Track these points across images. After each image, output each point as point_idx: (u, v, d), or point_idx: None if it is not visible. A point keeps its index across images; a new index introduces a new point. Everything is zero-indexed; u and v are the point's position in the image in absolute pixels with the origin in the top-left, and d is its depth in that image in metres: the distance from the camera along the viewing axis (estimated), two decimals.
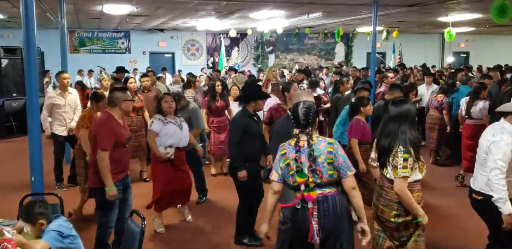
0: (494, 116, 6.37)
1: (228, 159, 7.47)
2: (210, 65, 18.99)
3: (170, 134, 4.60)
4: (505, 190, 3.07)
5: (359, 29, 16.88)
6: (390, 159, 2.98)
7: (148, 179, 6.39)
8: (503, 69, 11.91)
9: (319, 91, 7.87)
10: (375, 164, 3.32)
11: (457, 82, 8.71)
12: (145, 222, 2.81)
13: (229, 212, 5.14)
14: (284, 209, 3.11)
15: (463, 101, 6.55)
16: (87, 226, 4.65)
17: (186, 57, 19.04)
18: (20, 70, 9.87)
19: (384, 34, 14.77)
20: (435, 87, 8.67)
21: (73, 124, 6.06)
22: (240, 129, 4.11)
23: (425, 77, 9.16)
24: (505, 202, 3.07)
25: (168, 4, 10.37)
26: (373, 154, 3.37)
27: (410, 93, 6.31)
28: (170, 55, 18.95)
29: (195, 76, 8.59)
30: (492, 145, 3.14)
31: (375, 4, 9.20)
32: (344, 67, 16.78)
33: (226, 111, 6.91)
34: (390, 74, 8.73)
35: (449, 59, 20.74)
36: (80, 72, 15.03)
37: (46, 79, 12.51)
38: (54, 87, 12.64)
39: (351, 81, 8.50)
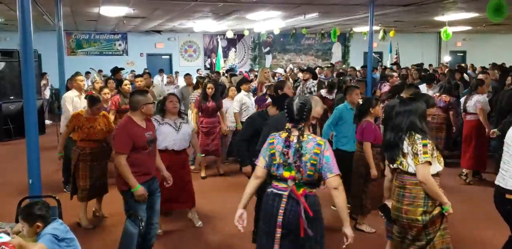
0: (499, 112, 6.40)
1: (227, 161, 7.59)
2: (208, 66, 19.00)
3: (164, 135, 4.49)
4: None
5: (356, 29, 16.91)
6: (409, 148, 2.95)
7: None
8: (504, 66, 11.97)
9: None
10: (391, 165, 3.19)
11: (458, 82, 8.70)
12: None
13: (222, 213, 5.16)
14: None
15: (463, 99, 6.55)
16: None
17: (183, 59, 19.05)
18: (18, 72, 9.85)
19: (381, 34, 14.79)
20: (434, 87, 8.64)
21: None
22: (253, 127, 4.18)
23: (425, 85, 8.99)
24: None
25: (164, 6, 10.38)
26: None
27: (401, 92, 6.34)
28: (168, 56, 18.96)
29: (204, 78, 8.63)
30: None
31: (371, 4, 9.24)
32: (344, 66, 16.83)
33: (218, 113, 6.85)
34: (395, 74, 8.75)
35: (446, 58, 20.79)
36: (77, 74, 15.00)
37: (43, 82, 12.51)
38: (52, 90, 12.66)
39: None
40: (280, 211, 2.77)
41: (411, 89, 5.86)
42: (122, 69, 8.96)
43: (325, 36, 17.40)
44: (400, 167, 3.06)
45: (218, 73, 13.09)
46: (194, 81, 8.68)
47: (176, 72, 16.62)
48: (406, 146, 3.00)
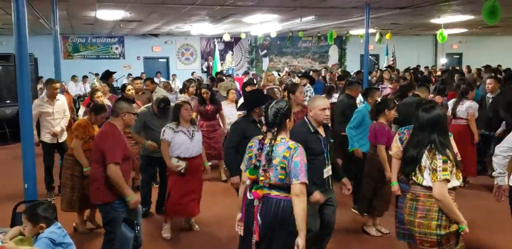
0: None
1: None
2: (205, 69, 19.02)
3: (178, 144, 4.48)
4: None
5: (352, 32, 16.96)
6: (427, 162, 2.83)
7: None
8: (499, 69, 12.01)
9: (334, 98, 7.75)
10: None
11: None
12: (138, 228, 2.81)
13: (221, 219, 5.15)
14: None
15: (451, 102, 6.54)
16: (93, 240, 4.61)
17: (180, 62, 19.06)
18: (14, 76, 9.81)
19: (377, 37, 14.85)
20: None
21: (58, 128, 6.00)
22: (239, 133, 4.03)
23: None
24: None
25: (161, 10, 10.39)
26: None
27: (408, 92, 6.36)
28: (165, 60, 18.96)
29: (191, 82, 8.49)
30: None
31: (367, 7, 9.28)
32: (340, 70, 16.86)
33: (218, 115, 6.82)
34: (387, 76, 8.79)
35: (442, 60, 20.86)
36: (73, 78, 15.01)
37: (39, 86, 12.46)
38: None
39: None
40: (256, 216, 2.78)
41: (423, 88, 6.00)
42: (114, 72, 8.86)
43: (321, 39, 17.46)
44: (414, 178, 2.95)
45: (213, 78, 13.01)
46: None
47: (174, 75, 16.64)
48: (424, 160, 2.87)
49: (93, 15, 11.15)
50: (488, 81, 6.90)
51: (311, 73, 11.54)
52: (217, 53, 16.18)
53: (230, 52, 19.21)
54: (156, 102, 5.22)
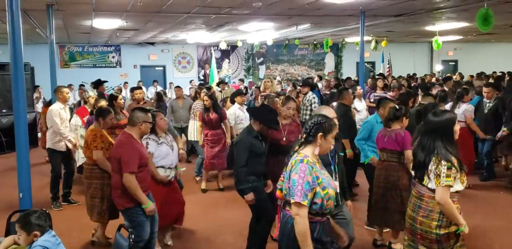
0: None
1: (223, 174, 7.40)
2: (201, 77, 19.05)
3: (162, 156, 4.39)
4: None
5: (348, 39, 17.05)
6: (433, 167, 2.89)
7: None
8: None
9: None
10: None
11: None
12: (132, 236, 2.80)
13: (218, 228, 5.13)
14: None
15: (448, 106, 6.64)
16: None
17: (177, 70, 19.10)
18: (10, 86, 9.79)
19: (373, 44, 14.93)
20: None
21: (72, 135, 6.05)
22: (246, 150, 4.02)
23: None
24: None
25: (157, 18, 10.44)
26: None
27: (409, 100, 6.36)
28: (161, 68, 19.00)
29: (201, 88, 8.42)
30: None
31: (362, 15, 9.35)
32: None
33: (222, 124, 6.70)
34: (380, 83, 8.82)
35: (438, 67, 20.96)
36: (69, 86, 14.99)
37: (36, 95, 12.45)
38: (44, 102, 12.60)
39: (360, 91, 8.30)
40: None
41: (429, 98, 6.02)
42: (106, 81, 8.79)
43: (318, 47, 17.53)
44: (419, 180, 3.01)
45: (210, 87, 13.01)
46: (186, 92, 8.54)
47: (170, 83, 16.64)
48: (431, 164, 2.93)
49: (89, 24, 11.19)
50: (485, 89, 6.95)
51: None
52: (213, 61, 16.21)
53: (227, 60, 19.30)
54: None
